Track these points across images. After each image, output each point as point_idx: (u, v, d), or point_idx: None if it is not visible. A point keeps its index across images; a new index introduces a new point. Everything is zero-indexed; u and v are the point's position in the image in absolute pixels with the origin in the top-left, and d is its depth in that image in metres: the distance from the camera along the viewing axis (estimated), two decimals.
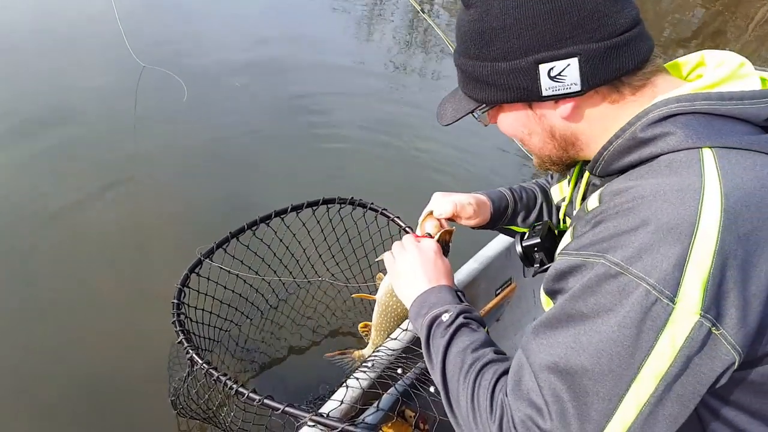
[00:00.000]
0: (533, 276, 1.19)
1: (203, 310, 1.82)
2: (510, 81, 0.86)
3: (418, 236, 1.24)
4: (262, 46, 4.94)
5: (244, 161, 3.46)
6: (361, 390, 1.40)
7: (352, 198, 1.96)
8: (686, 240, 0.68)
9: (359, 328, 1.47)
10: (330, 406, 1.35)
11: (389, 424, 1.47)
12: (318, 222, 2.01)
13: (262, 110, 4.05)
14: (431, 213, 1.30)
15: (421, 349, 1.02)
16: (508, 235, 1.46)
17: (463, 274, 1.91)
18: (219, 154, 3.45)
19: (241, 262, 1.95)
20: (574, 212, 1.04)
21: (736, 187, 0.70)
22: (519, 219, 1.40)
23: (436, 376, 0.95)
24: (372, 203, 1.97)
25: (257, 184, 3.28)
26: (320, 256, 2.25)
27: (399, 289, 1.16)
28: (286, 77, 4.50)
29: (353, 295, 1.61)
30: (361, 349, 1.55)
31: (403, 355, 1.52)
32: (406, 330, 1.55)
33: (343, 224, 2.07)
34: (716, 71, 0.82)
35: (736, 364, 0.70)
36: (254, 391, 1.31)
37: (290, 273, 2.23)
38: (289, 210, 1.89)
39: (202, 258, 1.74)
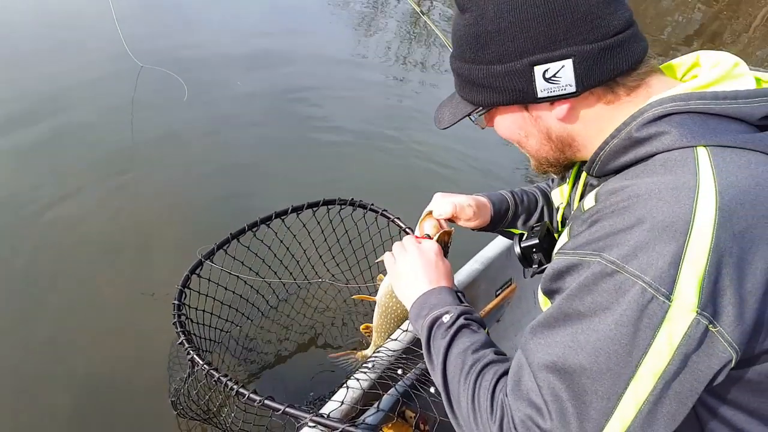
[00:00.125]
0: (531, 276, 1.20)
1: (204, 311, 1.83)
2: (505, 83, 0.87)
3: (418, 237, 1.25)
4: (262, 46, 4.95)
5: (245, 162, 3.46)
6: (362, 391, 1.40)
7: (353, 199, 1.97)
8: (681, 238, 0.69)
9: (361, 330, 1.48)
10: (330, 407, 1.35)
11: (390, 425, 1.47)
12: (318, 223, 2.02)
13: (262, 110, 4.06)
14: (431, 213, 1.30)
15: (421, 349, 1.02)
16: (508, 237, 1.46)
17: (463, 274, 1.92)
18: (219, 155, 3.46)
19: (242, 263, 1.95)
20: (572, 212, 1.04)
21: (731, 185, 0.71)
22: (519, 222, 1.40)
23: (437, 377, 0.95)
24: (372, 204, 1.97)
25: (258, 184, 3.28)
26: (320, 257, 2.25)
27: (399, 290, 1.16)
28: (287, 78, 4.51)
29: (353, 297, 1.61)
30: (364, 349, 1.55)
31: (404, 355, 1.52)
32: (406, 331, 1.55)
33: (344, 225, 2.08)
34: (711, 71, 0.83)
35: (733, 361, 0.71)
36: (255, 392, 1.31)
37: (290, 274, 2.24)
38: (289, 211, 1.90)
39: (202, 259, 1.75)
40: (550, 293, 0.86)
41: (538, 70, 0.83)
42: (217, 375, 1.37)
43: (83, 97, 3.73)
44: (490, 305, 2.01)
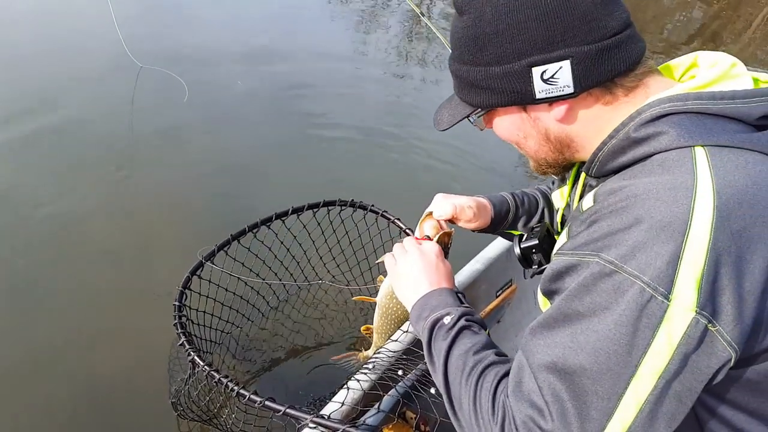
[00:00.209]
0: (531, 277, 1.20)
1: (205, 312, 1.83)
2: (504, 85, 0.88)
3: (418, 238, 1.25)
4: (263, 46, 4.96)
5: (245, 162, 3.46)
6: (362, 392, 1.40)
7: (353, 200, 1.97)
8: (679, 237, 0.69)
9: (362, 331, 1.48)
10: (331, 408, 1.35)
11: (390, 426, 1.47)
12: (319, 224, 2.02)
13: (263, 111, 4.07)
14: (431, 214, 1.30)
15: (421, 350, 1.02)
16: (508, 239, 1.46)
17: (463, 275, 1.91)
18: (220, 155, 3.46)
19: (242, 264, 1.95)
20: (571, 213, 1.04)
21: (728, 184, 0.71)
22: (520, 224, 1.40)
23: (438, 378, 0.96)
24: (372, 205, 1.97)
25: (258, 185, 3.29)
26: (321, 258, 2.25)
27: (400, 291, 1.16)
28: (287, 78, 4.51)
29: (354, 298, 1.62)
30: (366, 350, 1.55)
31: (404, 356, 1.52)
32: (407, 332, 1.55)
33: (344, 226, 2.08)
34: (708, 72, 0.84)
35: (732, 361, 0.71)
36: (256, 393, 1.31)
37: (291, 275, 2.24)
38: (290, 212, 1.90)
39: (203, 260, 1.75)
40: (549, 294, 0.86)
41: (536, 71, 0.84)
42: (217, 376, 1.37)
43: (83, 98, 3.74)
44: (491, 306, 2.01)
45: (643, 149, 0.80)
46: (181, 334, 1.52)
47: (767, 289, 0.70)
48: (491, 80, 0.88)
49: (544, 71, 0.83)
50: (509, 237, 1.45)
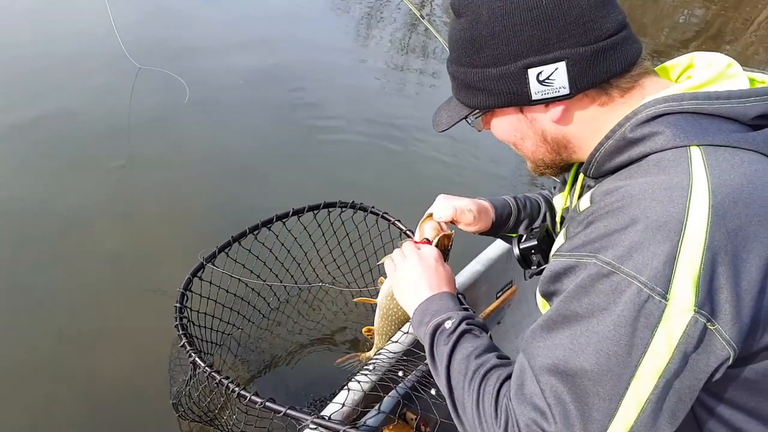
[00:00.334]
0: (530, 277, 1.20)
1: (205, 313, 1.83)
2: (500, 86, 0.88)
3: (417, 242, 1.25)
4: (263, 47, 4.97)
5: (246, 163, 3.47)
6: (363, 392, 1.41)
7: (353, 202, 1.97)
8: (675, 237, 0.69)
9: (363, 332, 1.48)
10: (331, 409, 1.36)
11: (390, 427, 1.47)
12: (319, 225, 2.02)
13: (263, 112, 4.07)
14: (431, 215, 1.30)
15: (421, 351, 1.03)
16: (509, 243, 1.47)
17: (464, 276, 1.92)
18: (221, 156, 3.47)
19: (243, 265, 1.96)
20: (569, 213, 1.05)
21: (724, 183, 0.71)
22: (522, 228, 1.40)
23: (441, 383, 0.96)
24: (373, 207, 1.98)
25: (259, 186, 3.29)
26: (321, 259, 2.26)
27: (401, 296, 1.17)
28: (288, 80, 4.52)
29: (355, 299, 1.62)
30: (368, 351, 1.56)
31: (404, 357, 1.52)
32: (407, 333, 1.56)
33: (344, 228, 2.08)
34: (704, 72, 0.84)
35: (731, 359, 0.71)
36: (256, 394, 1.31)
37: (292, 276, 2.24)
38: (290, 214, 1.90)
39: (204, 262, 1.76)
40: (548, 295, 0.87)
41: (532, 72, 0.85)
42: (218, 377, 1.38)
43: (82, 98, 3.75)
44: (491, 307, 2.02)
45: (639, 149, 0.80)
46: (182, 335, 1.53)
47: (764, 288, 0.70)
48: (488, 82, 0.89)
49: (540, 72, 0.84)
50: (510, 240, 1.45)
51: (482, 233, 1.38)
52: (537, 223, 1.41)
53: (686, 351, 0.70)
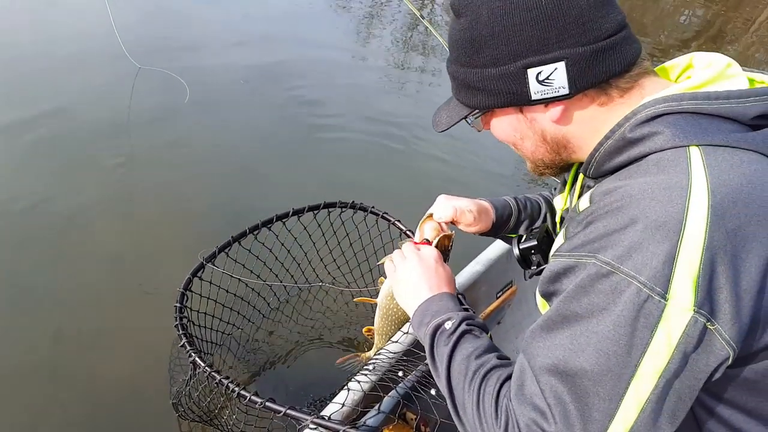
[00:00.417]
0: (530, 277, 1.20)
1: (205, 313, 1.83)
2: (500, 86, 0.89)
3: (417, 243, 1.25)
4: (264, 47, 4.98)
5: (246, 163, 3.47)
6: (363, 392, 1.41)
7: (353, 202, 1.97)
8: (674, 237, 0.69)
9: (363, 332, 1.48)
10: (331, 409, 1.36)
11: (390, 427, 1.47)
12: (319, 226, 2.02)
13: (264, 112, 4.08)
14: (431, 216, 1.30)
15: (421, 351, 1.03)
16: (509, 243, 1.47)
17: (464, 276, 1.92)
18: (221, 156, 3.47)
19: (243, 265, 1.96)
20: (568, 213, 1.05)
21: (723, 183, 0.71)
22: (522, 228, 1.40)
23: (442, 384, 0.96)
24: (373, 207, 1.98)
25: (259, 186, 3.29)
26: (321, 259, 2.26)
27: (400, 297, 1.17)
28: (288, 79, 4.52)
29: (355, 299, 1.62)
30: (368, 351, 1.56)
31: (404, 357, 1.52)
32: (407, 333, 1.56)
33: (344, 228, 2.08)
34: (703, 72, 0.84)
35: (730, 359, 0.71)
36: (256, 394, 1.31)
37: (291, 277, 2.24)
38: (290, 214, 1.90)
39: (204, 262, 1.76)
40: (547, 296, 0.87)
41: (531, 72, 0.85)
42: (218, 377, 1.38)
43: (82, 98, 3.75)
44: (491, 307, 2.02)
45: (639, 149, 0.80)
46: (182, 335, 1.53)
47: (763, 288, 0.70)
48: (487, 82, 0.89)
49: (539, 72, 0.84)
50: (510, 240, 1.45)
51: (482, 234, 1.38)
52: (537, 224, 1.41)
53: (686, 351, 0.70)
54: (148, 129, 3.61)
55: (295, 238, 2.07)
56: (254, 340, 2.26)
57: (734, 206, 0.70)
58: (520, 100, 0.89)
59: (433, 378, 1.01)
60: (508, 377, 0.87)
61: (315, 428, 1.26)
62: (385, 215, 1.97)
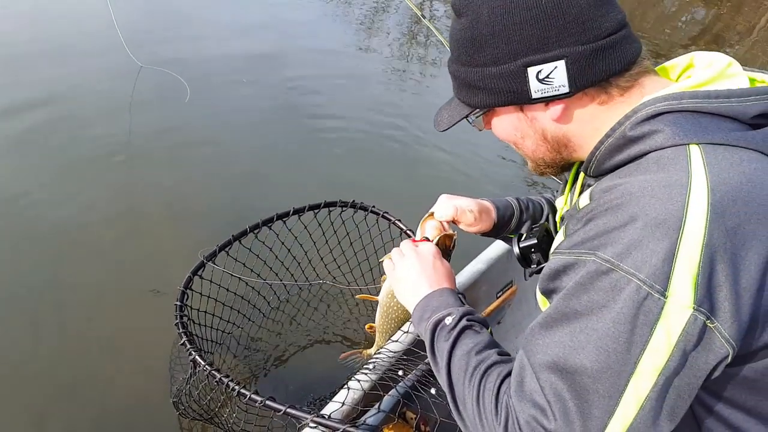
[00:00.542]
0: (530, 276, 1.20)
1: (206, 312, 1.83)
2: (500, 85, 0.89)
3: (416, 241, 1.25)
4: (264, 46, 4.99)
5: (247, 163, 3.47)
6: (363, 391, 1.40)
7: (354, 201, 1.97)
8: (674, 234, 0.70)
9: (366, 329, 1.48)
10: (331, 408, 1.36)
11: (390, 426, 1.47)
12: (320, 225, 2.02)
13: (264, 110, 4.08)
14: (432, 215, 1.31)
15: (422, 350, 1.03)
16: (509, 244, 1.46)
17: (464, 276, 1.92)
18: (221, 156, 3.47)
19: (244, 264, 1.96)
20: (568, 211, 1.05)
21: (723, 182, 0.71)
22: (524, 230, 1.40)
23: (442, 379, 0.96)
24: (374, 206, 1.98)
25: (259, 186, 3.30)
26: (322, 259, 2.26)
27: (400, 295, 1.17)
28: (288, 78, 4.53)
29: (357, 296, 1.62)
30: (370, 349, 1.56)
31: (404, 356, 1.52)
32: (407, 332, 1.56)
33: (345, 227, 2.09)
34: (704, 71, 0.84)
35: (730, 357, 0.71)
36: (256, 393, 1.31)
37: (292, 276, 2.24)
38: (291, 213, 1.91)
39: (204, 260, 1.76)
40: (547, 293, 0.87)
41: (532, 71, 0.85)
42: (218, 375, 1.38)
43: (83, 98, 3.76)
44: (491, 307, 2.02)
45: (639, 147, 0.80)
46: (182, 334, 1.53)
47: (763, 286, 0.70)
48: (488, 80, 0.90)
49: (540, 71, 0.84)
50: (511, 241, 1.45)
51: (484, 234, 1.38)
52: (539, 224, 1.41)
53: (685, 348, 0.70)
54: (148, 128, 3.61)
55: (296, 238, 2.07)
56: (254, 339, 2.26)
57: (734, 204, 0.70)
58: (520, 98, 0.89)
59: (433, 377, 1.01)
60: (509, 373, 0.87)
61: (315, 427, 1.26)
62: (385, 215, 1.97)
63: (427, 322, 1.03)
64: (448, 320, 1.00)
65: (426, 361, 1.27)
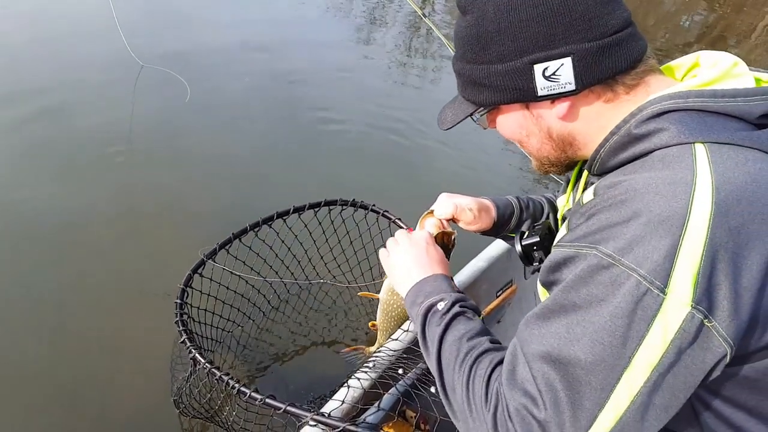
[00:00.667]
0: (532, 273, 1.20)
1: (206, 310, 1.83)
2: (506, 82, 0.88)
3: (411, 230, 1.25)
4: (264, 46, 4.98)
5: (247, 161, 3.47)
6: (363, 390, 1.40)
7: (354, 200, 1.97)
8: (677, 232, 0.69)
9: (369, 326, 1.48)
10: (331, 406, 1.36)
11: (390, 424, 1.47)
12: (320, 223, 2.02)
13: (265, 110, 4.08)
14: (431, 212, 1.31)
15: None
16: (511, 244, 1.46)
17: (464, 275, 1.91)
18: (221, 156, 3.47)
19: (244, 263, 1.96)
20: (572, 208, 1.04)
21: (728, 181, 0.71)
22: (524, 228, 1.40)
23: (431, 364, 0.96)
24: (374, 205, 1.98)
25: (260, 184, 3.29)
26: (322, 257, 2.26)
27: (394, 280, 1.17)
28: (289, 78, 4.53)
29: (359, 294, 1.62)
30: (372, 346, 1.56)
31: (404, 355, 1.52)
32: (407, 331, 1.56)
33: (345, 226, 2.09)
34: (710, 71, 0.84)
35: (728, 357, 0.71)
36: (256, 391, 1.31)
37: (292, 274, 2.25)
38: (291, 211, 1.91)
39: (204, 258, 1.76)
40: (547, 285, 0.87)
41: (538, 68, 0.85)
42: (218, 373, 1.38)
43: (84, 97, 3.75)
44: (491, 305, 2.01)
45: (644, 145, 0.80)
46: (182, 332, 1.53)
47: (764, 286, 0.70)
48: (494, 78, 0.89)
49: (546, 68, 0.84)
50: (510, 240, 1.44)
51: (483, 233, 1.37)
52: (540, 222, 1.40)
53: (681, 346, 0.70)
54: (149, 128, 3.61)
55: (296, 236, 2.07)
56: (255, 337, 2.26)
57: (738, 204, 0.70)
58: (526, 96, 0.89)
59: (433, 376, 1.01)
60: (500, 361, 0.87)
61: (315, 425, 1.26)
62: (385, 213, 1.97)
63: (419, 307, 1.03)
64: (441, 305, 1.00)
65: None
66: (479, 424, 0.83)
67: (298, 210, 1.92)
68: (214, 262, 1.79)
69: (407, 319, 1.42)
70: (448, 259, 1.24)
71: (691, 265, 0.69)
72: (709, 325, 0.69)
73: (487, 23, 0.86)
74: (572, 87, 0.85)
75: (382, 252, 1.23)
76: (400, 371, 1.48)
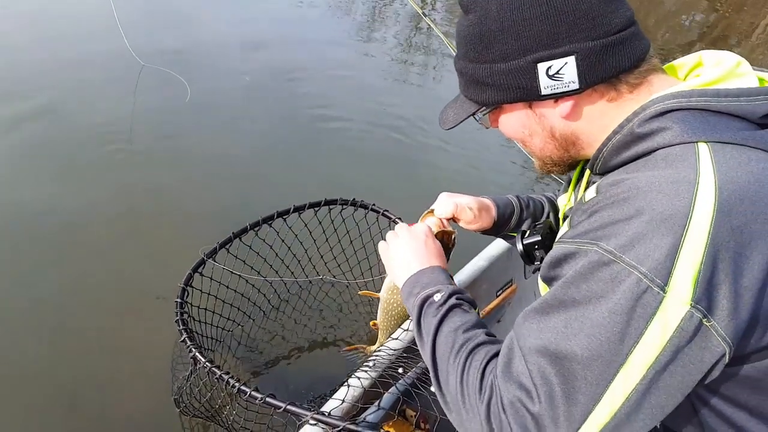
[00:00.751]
0: (533, 272, 1.20)
1: (206, 309, 1.83)
2: (509, 81, 0.88)
3: (412, 224, 1.25)
4: (265, 46, 4.98)
5: (247, 161, 3.47)
6: (363, 389, 1.40)
7: (354, 199, 1.98)
8: (679, 230, 0.69)
9: (371, 325, 1.48)
10: (331, 405, 1.36)
11: (390, 423, 1.47)
12: (320, 223, 2.02)
13: (265, 110, 4.08)
14: (432, 211, 1.31)
15: None
16: (511, 243, 1.46)
17: (464, 274, 1.91)
18: (221, 156, 3.47)
19: (244, 262, 1.96)
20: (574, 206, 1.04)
21: (731, 180, 0.71)
22: (525, 227, 1.40)
23: (426, 355, 0.96)
24: (374, 204, 1.98)
25: (260, 183, 3.29)
26: (322, 257, 2.26)
27: (392, 271, 1.18)
28: (289, 77, 4.53)
29: (360, 292, 1.62)
30: (372, 345, 1.56)
31: (405, 354, 1.52)
32: (407, 330, 1.56)
33: (345, 225, 2.09)
34: (713, 70, 0.84)
35: (727, 357, 0.71)
36: (256, 390, 1.31)
37: (292, 273, 2.25)
38: (291, 211, 1.91)
39: (205, 258, 1.76)
40: (548, 280, 0.87)
41: (542, 67, 0.84)
42: (218, 373, 1.38)
43: (84, 96, 3.75)
44: (491, 305, 2.01)
45: (647, 144, 0.80)
46: (182, 331, 1.53)
47: (765, 286, 0.70)
48: (497, 77, 0.89)
49: (550, 67, 0.84)
50: (512, 240, 1.44)
51: (484, 232, 1.37)
52: (541, 221, 1.40)
53: (679, 344, 0.70)
54: (149, 128, 3.61)
55: (296, 235, 2.07)
56: (255, 337, 2.25)
57: (741, 203, 0.70)
58: (530, 95, 0.88)
59: None
60: (496, 354, 0.87)
61: (315, 424, 1.26)
62: (385, 213, 1.97)
63: (415, 298, 1.03)
64: (437, 297, 1.00)
65: None
66: (472, 415, 0.83)
67: (299, 209, 1.92)
68: (215, 261, 1.79)
69: (408, 318, 1.42)
70: (448, 259, 1.23)
71: (692, 264, 0.68)
72: (707, 324, 0.69)
73: (490, 22, 0.86)
74: (576, 86, 0.84)
75: (381, 244, 1.24)
76: (401, 370, 1.48)
